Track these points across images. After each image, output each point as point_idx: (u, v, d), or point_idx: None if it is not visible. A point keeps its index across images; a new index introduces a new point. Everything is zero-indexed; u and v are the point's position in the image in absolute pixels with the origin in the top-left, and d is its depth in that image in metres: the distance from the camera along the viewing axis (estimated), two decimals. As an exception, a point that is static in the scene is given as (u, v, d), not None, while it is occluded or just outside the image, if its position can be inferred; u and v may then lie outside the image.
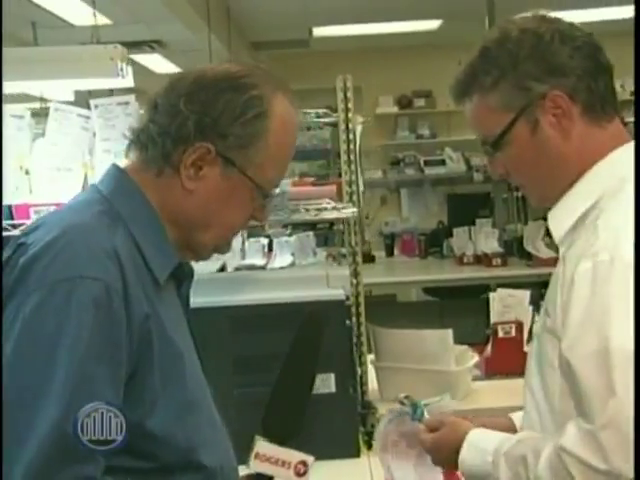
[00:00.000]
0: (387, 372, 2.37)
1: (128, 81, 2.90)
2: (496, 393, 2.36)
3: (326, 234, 5.37)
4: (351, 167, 2.16)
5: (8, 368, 1.00)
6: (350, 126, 2.14)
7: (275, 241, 3.63)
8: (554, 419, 1.22)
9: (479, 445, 1.26)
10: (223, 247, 1.24)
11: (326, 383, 1.94)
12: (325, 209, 2.03)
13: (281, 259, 3.46)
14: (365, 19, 7.26)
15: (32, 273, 1.03)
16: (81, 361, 1.00)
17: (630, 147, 1.23)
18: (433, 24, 7.62)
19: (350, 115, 2.15)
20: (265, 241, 3.57)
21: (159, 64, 7.49)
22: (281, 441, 1.18)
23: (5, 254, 1.09)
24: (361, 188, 2.18)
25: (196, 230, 1.18)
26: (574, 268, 1.14)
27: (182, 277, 1.22)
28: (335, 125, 2.33)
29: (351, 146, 2.16)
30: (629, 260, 1.09)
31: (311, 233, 3.89)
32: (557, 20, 1.23)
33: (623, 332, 1.07)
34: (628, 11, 6.45)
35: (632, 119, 1.32)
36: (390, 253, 5.84)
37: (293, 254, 3.45)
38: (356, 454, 1.98)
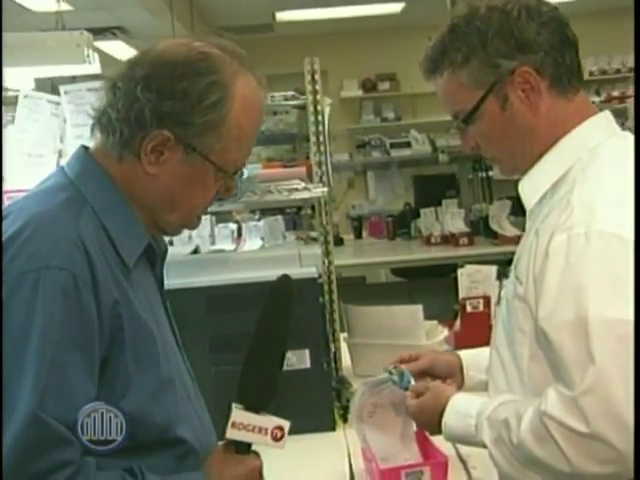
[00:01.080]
0: (359, 348, 2.42)
1: (95, 67, 2.90)
2: (465, 366, 2.43)
3: (294, 218, 5.41)
4: (320, 149, 2.20)
5: None
6: (319, 108, 2.18)
7: (244, 226, 3.64)
8: (522, 380, 1.27)
9: (461, 409, 1.31)
10: (191, 223, 1.26)
11: (301, 359, 1.98)
12: (296, 189, 2.06)
13: (250, 243, 3.49)
14: (328, 3, 7.26)
15: None
16: (53, 350, 1.01)
17: (598, 119, 1.28)
18: (396, 7, 7.63)
19: (318, 97, 2.18)
20: (234, 226, 3.59)
21: (122, 51, 7.42)
22: (257, 408, 1.19)
23: None
24: (330, 169, 2.22)
25: (162, 211, 1.18)
26: (548, 241, 1.18)
27: (154, 257, 1.23)
28: (303, 108, 2.36)
29: (320, 128, 2.19)
30: (603, 232, 1.13)
31: (280, 217, 3.91)
32: None
33: (600, 302, 1.11)
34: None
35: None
36: (358, 235, 5.89)
37: (262, 238, 3.48)
38: (332, 428, 2.03)
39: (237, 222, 3.49)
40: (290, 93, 2.20)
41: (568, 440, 1.12)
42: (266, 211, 4.56)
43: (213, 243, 3.07)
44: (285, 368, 2.02)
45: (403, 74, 8.68)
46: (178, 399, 1.18)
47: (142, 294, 1.17)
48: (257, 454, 1.23)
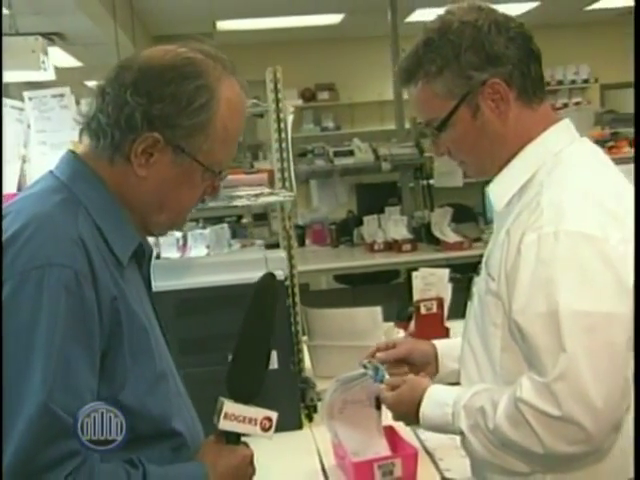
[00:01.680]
0: (320, 350, 2.48)
1: (49, 74, 2.88)
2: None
3: (234, 227, 5.43)
4: (283, 155, 2.25)
5: None
6: (281, 115, 2.23)
7: (190, 234, 3.65)
8: (494, 370, 1.35)
9: (438, 399, 1.39)
10: (179, 223, 1.30)
11: (270, 360, 2.03)
12: (262, 194, 2.11)
13: (196, 251, 3.50)
14: (269, 13, 7.32)
15: (1, 263, 1.05)
16: (58, 345, 1.05)
17: (560, 126, 1.38)
18: (335, 18, 7.76)
19: (280, 105, 2.24)
20: (179, 235, 3.59)
21: (58, 57, 7.31)
22: (246, 400, 1.24)
23: None
24: (292, 175, 2.27)
25: (151, 212, 1.22)
26: (520, 240, 1.27)
27: (142, 258, 1.27)
28: (262, 116, 2.41)
29: (282, 135, 2.25)
30: (571, 231, 1.22)
31: (226, 225, 3.94)
32: (492, 10, 1.36)
33: (569, 295, 1.20)
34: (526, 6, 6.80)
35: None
36: (302, 243, 5.92)
37: (208, 246, 3.49)
38: (299, 426, 2.08)
39: (182, 230, 3.49)
40: (253, 100, 2.25)
41: (541, 423, 1.21)
42: (208, 220, 4.57)
43: (158, 252, 3.07)
44: (253, 369, 2.08)
45: (342, 84, 8.82)
46: (171, 392, 1.22)
47: (134, 292, 1.21)
48: (246, 444, 1.28)
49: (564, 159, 1.34)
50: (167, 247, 3.41)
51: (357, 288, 5.96)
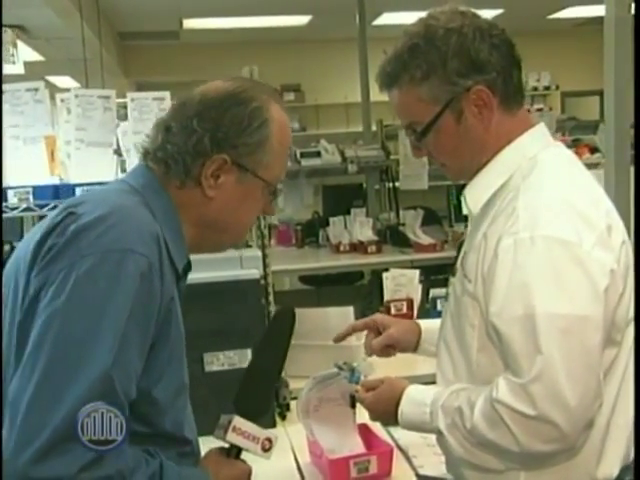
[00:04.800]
0: (292, 349, 2.47)
1: (19, 67, 2.84)
2: (390, 364, 2.54)
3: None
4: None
5: (60, 318, 1.07)
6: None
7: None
8: (470, 370, 1.38)
9: (417, 399, 1.41)
10: (238, 242, 1.45)
11: (243, 358, 2.03)
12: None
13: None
14: (236, 12, 7.31)
15: (84, 239, 1.12)
16: (124, 323, 1.10)
17: (535, 131, 1.41)
18: (303, 19, 7.78)
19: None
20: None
21: (20, 50, 7.19)
22: (253, 419, 1.32)
23: (52, 220, 1.17)
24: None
25: (215, 231, 1.33)
26: (497, 243, 1.29)
27: (185, 273, 1.34)
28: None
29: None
30: (546, 236, 1.25)
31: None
32: (475, 16, 1.38)
33: (545, 298, 1.23)
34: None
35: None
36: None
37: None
38: (273, 424, 2.08)
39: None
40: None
41: (517, 423, 1.23)
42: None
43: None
44: (227, 367, 2.09)
45: (308, 85, 8.85)
46: (186, 403, 1.30)
47: (178, 301, 1.27)
48: (245, 462, 1.35)
49: (540, 163, 1.36)
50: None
51: (322, 289, 5.98)
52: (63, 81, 9.11)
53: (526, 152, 1.38)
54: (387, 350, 1.69)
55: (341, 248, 5.22)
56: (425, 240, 4.79)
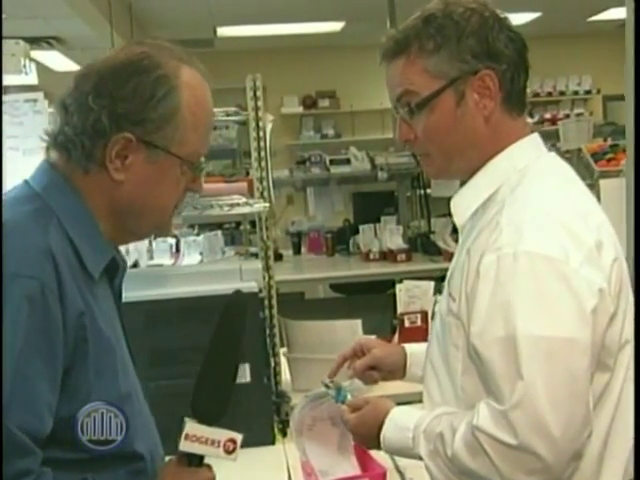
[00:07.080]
0: (299, 363, 2.44)
1: (31, 78, 2.85)
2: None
3: (232, 234, 5.40)
4: (261, 164, 2.21)
5: None
6: (260, 124, 2.19)
7: (183, 240, 3.62)
8: (455, 392, 1.30)
9: (400, 423, 1.33)
10: (163, 228, 1.28)
11: (241, 373, 1.99)
12: (237, 204, 2.07)
13: (189, 258, 3.47)
14: (269, 20, 7.32)
15: None
16: (17, 357, 1.01)
17: (527, 141, 1.33)
18: (336, 26, 7.75)
19: (260, 113, 2.20)
20: (172, 241, 3.56)
21: (58, 62, 7.31)
22: (209, 421, 1.20)
23: None
24: (271, 185, 2.24)
25: (133, 217, 1.20)
26: (479, 260, 1.22)
27: (115, 271, 1.24)
28: (244, 123, 2.37)
29: (261, 144, 2.21)
30: (530, 252, 1.17)
31: (219, 232, 3.90)
32: (494, 9, 1.31)
33: (527, 320, 1.15)
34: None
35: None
36: (297, 251, 5.90)
37: (201, 253, 3.46)
38: (271, 442, 2.04)
39: (175, 237, 3.46)
40: (232, 109, 2.21)
41: (498, 452, 1.16)
42: (204, 226, 4.54)
43: (151, 258, 3.04)
44: (225, 383, 2.04)
45: (343, 92, 8.80)
46: (134, 413, 1.18)
47: (103, 307, 1.18)
48: (209, 467, 1.23)
49: (528, 175, 1.28)
50: (160, 253, 3.38)
51: (352, 297, 5.92)
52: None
53: (516, 163, 1.30)
54: (370, 374, 1.61)
55: (371, 256, 5.17)
56: (454, 248, 4.68)
